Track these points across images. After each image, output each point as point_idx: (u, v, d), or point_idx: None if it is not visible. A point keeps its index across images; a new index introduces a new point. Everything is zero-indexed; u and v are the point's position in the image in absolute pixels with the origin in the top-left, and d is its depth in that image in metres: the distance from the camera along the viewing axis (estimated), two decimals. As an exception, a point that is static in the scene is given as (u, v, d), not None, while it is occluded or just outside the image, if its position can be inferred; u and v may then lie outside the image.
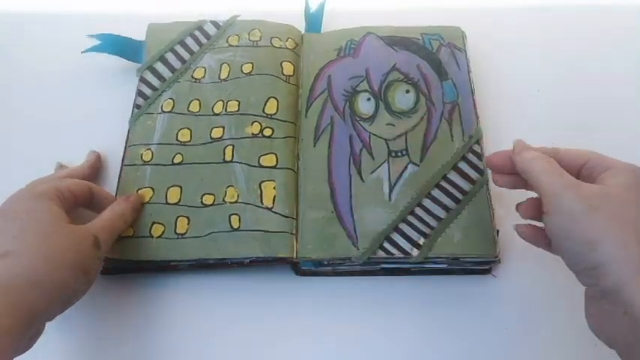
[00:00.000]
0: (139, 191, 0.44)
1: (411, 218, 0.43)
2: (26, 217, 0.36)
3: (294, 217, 0.43)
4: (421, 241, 0.42)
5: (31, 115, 0.52)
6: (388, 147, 0.46)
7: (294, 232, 0.42)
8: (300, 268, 0.43)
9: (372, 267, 0.43)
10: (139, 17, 0.54)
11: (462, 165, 0.45)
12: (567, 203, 0.32)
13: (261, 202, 0.43)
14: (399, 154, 0.46)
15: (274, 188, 0.44)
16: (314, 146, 0.46)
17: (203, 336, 0.41)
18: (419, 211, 0.43)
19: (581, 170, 0.36)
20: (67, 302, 0.37)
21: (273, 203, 0.43)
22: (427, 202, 0.43)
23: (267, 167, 0.45)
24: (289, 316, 0.42)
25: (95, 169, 0.47)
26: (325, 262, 0.42)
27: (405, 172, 0.45)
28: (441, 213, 0.43)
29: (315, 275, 0.44)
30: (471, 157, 0.45)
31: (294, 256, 0.42)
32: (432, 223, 0.42)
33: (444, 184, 0.44)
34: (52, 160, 0.47)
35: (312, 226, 0.43)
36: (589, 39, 0.55)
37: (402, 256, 0.41)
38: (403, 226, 0.42)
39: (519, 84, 0.52)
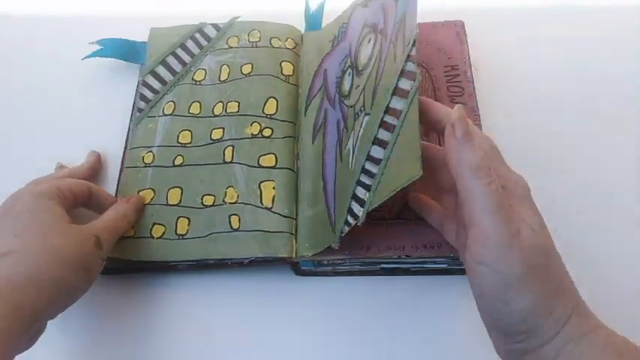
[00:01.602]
0: (140, 192, 0.45)
1: (363, 177, 0.37)
2: (28, 217, 0.37)
3: (294, 217, 0.43)
4: (366, 196, 0.36)
5: (31, 116, 0.52)
6: (354, 112, 0.41)
7: (293, 232, 0.42)
8: (300, 268, 0.43)
9: (372, 267, 0.43)
10: (139, 19, 0.54)
11: (401, 82, 0.35)
12: (505, 263, 0.30)
13: (261, 202, 0.43)
14: (359, 113, 0.39)
15: (274, 188, 0.44)
16: (312, 144, 0.46)
17: (203, 336, 0.42)
18: (368, 164, 0.37)
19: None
20: (68, 300, 0.37)
21: (273, 203, 0.43)
22: (374, 150, 0.36)
23: (266, 167, 0.45)
24: (289, 316, 0.42)
25: (95, 169, 0.47)
26: (325, 262, 0.42)
27: (360, 130, 0.38)
28: (380, 153, 0.36)
29: (315, 275, 0.44)
30: (408, 66, 0.35)
31: (294, 256, 0.42)
32: (374, 169, 0.36)
33: (386, 118, 0.36)
34: (52, 160, 0.48)
35: (308, 223, 0.42)
36: (589, 39, 0.55)
37: (354, 221, 0.36)
38: (358, 190, 0.37)
39: (519, 83, 0.52)
